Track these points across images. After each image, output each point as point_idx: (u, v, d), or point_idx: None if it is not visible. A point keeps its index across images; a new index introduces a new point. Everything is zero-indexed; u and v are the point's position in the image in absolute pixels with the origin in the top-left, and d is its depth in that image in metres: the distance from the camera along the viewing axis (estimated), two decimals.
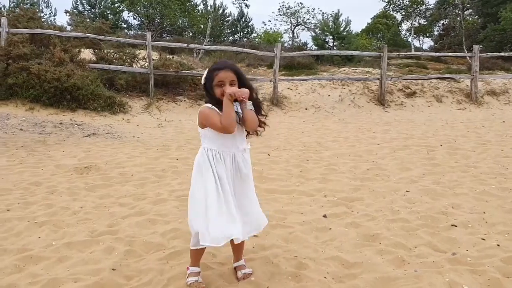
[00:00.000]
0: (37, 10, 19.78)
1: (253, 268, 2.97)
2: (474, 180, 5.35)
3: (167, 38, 29.70)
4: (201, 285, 2.74)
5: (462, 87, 15.96)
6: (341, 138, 8.82)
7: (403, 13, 34.84)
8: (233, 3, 26.55)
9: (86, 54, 13.34)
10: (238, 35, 42.01)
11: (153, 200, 4.60)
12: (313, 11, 44.72)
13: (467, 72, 17.36)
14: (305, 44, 37.40)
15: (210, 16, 25.11)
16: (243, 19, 42.04)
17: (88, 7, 37.17)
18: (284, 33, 39.72)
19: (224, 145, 2.69)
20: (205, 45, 20.56)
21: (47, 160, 6.37)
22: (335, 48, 31.02)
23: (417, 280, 2.82)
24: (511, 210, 4.26)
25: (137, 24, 34.55)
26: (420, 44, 40.76)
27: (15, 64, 10.57)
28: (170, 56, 14.78)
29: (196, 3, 29.62)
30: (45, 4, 37.15)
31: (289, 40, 39.98)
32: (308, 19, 38.20)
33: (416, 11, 33.95)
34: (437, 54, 20.20)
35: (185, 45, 15.28)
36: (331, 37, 33.15)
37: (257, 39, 38.73)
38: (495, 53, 17.70)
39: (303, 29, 40.29)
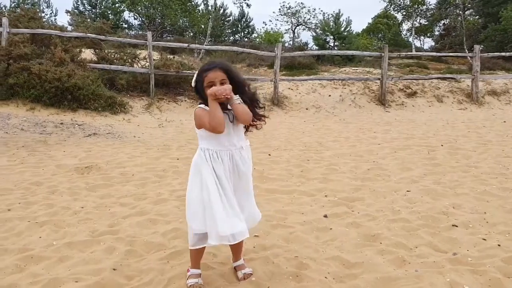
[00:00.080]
0: (38, 10, 19.79)
1: (253, 268, 2.97)
2: (475, 180, 5.35)
3: (168, 38, 29.70)
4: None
5: (463, 87, 15.95)
6: (342, 138, 8.82)
7: (404, 13, 34.83)
8: (234, 3, 26.60)
9: (87, 54, 13.35)
10: (239, 35, 41.98)
11: (154, 200, 4.60)
12: (313, 11, 44.68)
13: (468, 72, 17.35)
14: (306, 44, 37.40)
15: (210, 16, 25.12)
16: (244, 19, 42.02)
17: (89, 7, 37.17)
18: (285, 33, 39.75)
19: (221, 144, 2.67)
20: (206, 45, 20.58)
21: (48, 160, 6.38)
22: (335, 48, 31.00)
23: (418, 280, 2.82)
24: None
25: (137, 24, 34.57)
26: (421, 44, 40.72)
27: (16, 64, 10.58)
28: (171, 56, 14.78)
29: (196, 3, 29.61)
30: (46, 4, 37.16)
31: (290, 40, 40.00)
32: (309, 19, 38.22)
33: (417, 11, 33.93)
34: (438, 54, 20.18)
35: (186, 45, 15.28)
36: (331, 37, 33.12)
37: (257, 39, 38.73)
38: (496, 53, 17.68)
39: (303, 29, 40.27)
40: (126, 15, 35.23)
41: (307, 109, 13.61)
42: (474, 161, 6.44)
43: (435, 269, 2.98)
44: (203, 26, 27.51)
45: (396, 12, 35.91)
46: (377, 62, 19.08)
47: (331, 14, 35.60)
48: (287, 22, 39.33)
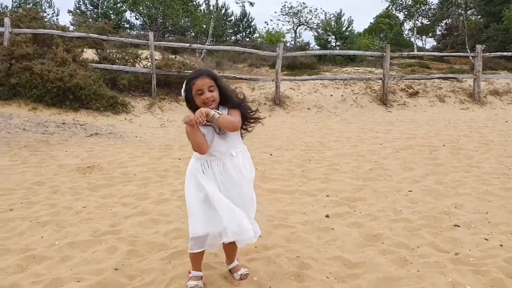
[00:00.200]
0: (39, 10, 19.81)
1: (255, 268, 2.97)
2: (477, 180, 5.34)
3: (170, 38, 29.73)
4: None
5: (465, 87, 15.93)
6: (343, 138, 8.81)
7: (406, 12, 34.81)
8: (237, 3, 26.58)
9: (89, 54, 13.38)
10: (241, 35, 42.02)
11: (155, 200, 4.61)
12: (315, 11, 44.85)
13: (470, 72, 17.33)
14: (308, 44, 37.42)
15: (212, 16, 25.14)
16: (246, 19, 42.06)
17: (91, 7, 37.25)
18: (287, 33, 39.80)
19: (211, 154, 2.66)
20: (207, 45, 20.59)
21: (50, 160, 6.38)
22: (337, 48, 31.01)
23: (419, 280, 2.82)
24: None
25: (139, 24, 34.63)
26: (422, 44, 40.73)
27: (18, 64, 10.61)
28: (173, 56, 14.80)
29: (198, 3, 29.64)
30: (47, 4, 37.26)
31: (292, 40, 40.03)
32: (311, 19, 38.27)
33: (418, 10, 33.91)
34: (440, 54, 20.16)
35: (187, 45, 15.29)
36: (333, 37, 33.15)
37: (259, 39, 38.76)
38: (498, 53, 17.67)
39: (305, 29, 40.29)
40: (128, 15, 35.30)
41: (308, 109, 13.61)
42: (476, 161, 6.43)
43: (437, 269, 2.97)
44: (204, 26, 27.53)
45: (398, 12, 35.89)
46: (379, 62, 19.08)
47: (333, 14, 35.64)
48: (288, 22, 39.40)
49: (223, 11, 38.19)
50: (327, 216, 4.11)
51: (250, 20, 42.25)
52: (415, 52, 25.37)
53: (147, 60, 13.47)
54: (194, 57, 19.85)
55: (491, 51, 20.94)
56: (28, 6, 29.54)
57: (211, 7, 29.82)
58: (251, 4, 26.01)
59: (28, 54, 11.02)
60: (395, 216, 4.09)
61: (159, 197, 4.70)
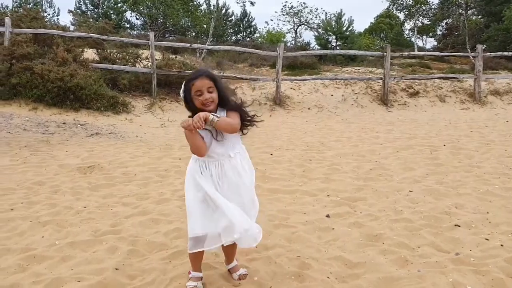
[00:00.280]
0: (40, 10, 19.82)
1: (256, 268, 2.97)
2: (478, 180, 5.34)
3: (170, 38, 29.75)
4: None
5: (465, 87, 15.92)
6: (344, 138, 8.81)
7: (406, 12, 34.80)
8: (237, 3, 26.55)
9: (89, 54, 13.38)
10: (241, 35, 42.01)
11: (156, 200, 4.61)
12: (316, 11, 44.85)
13: (471, 71, 17.32)
14: (308, 44, 37.40)
15: (213, 16, 25.12)
16: (246, 19, 42.06)
17: (91, 7, 37.26)
18: (287, 33, 39.80)
19: (209, 156, 2.65)
20: (208, 45, 20.58)
21: (51, 159, 6.39)
22: (338, 48, 31.01)
23: (420, 280, 2.82)
24: None
25: (140, 24, 34.64)
26: (423, 44, 40.71)
27: (19, 64, 10.61)
28: (173, 56, 14.80)
29: (199, 2, 29.64)
30: (48, 4, 37.28)
31: (292, 40, 40.03)
32: (311, 18, 38.26)
33: (419, 10, 33.90)
34: (440, 53, 20.15)
35: (188, 45, 15.30)
36: (334, 36, 33.15)
37: (260, 39, 38.77)
38: (498, 53, 17.67)
39: (306, 29, 40.27)
40: (129, 15, 35.31)
41: (309, 109, 13.60)
42: (477, 161, 6.42)
43: (437, 269, 2.97)
44: (205, 26, 27.53)
45: (398, 11, 35.88)
46: (379, 62, 19.08)
47: (333, 14, 35.63)
48: (289, 21, 39.40)
49: (223, 11, 38.20)
50: (327, 216, 4.11)
51: (250, 20, 42.26)
52: (416, 52, 25.36)
53: (147, 60, 13.47)
54: (194, 57, 19.85)
55: (491, 51, 20.94)
56: (28, 6, 29.55)
57: (212, 7, 29.83)
58: (252, 3, 25.99)
59: (29, 54, 11.02)
60: (396, 216, 4.09)
61: (159, 197, 4.70)
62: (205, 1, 31.41)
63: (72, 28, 20.50)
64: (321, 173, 5.78)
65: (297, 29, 40.01)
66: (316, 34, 35.81)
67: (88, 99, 10.68)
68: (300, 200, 4.63)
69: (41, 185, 5.07)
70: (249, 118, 2.77)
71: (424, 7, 33.90)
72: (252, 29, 42.56)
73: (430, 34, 38.51)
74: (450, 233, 3.64)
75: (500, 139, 8.40)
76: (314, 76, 16.12)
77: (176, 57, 15.05)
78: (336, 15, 34.55)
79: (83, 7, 37.00)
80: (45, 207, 4.30)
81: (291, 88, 14.89)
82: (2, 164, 6.00)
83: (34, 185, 5.05)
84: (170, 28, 30.76)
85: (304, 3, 45.92)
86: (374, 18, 41.53)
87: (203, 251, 2.74)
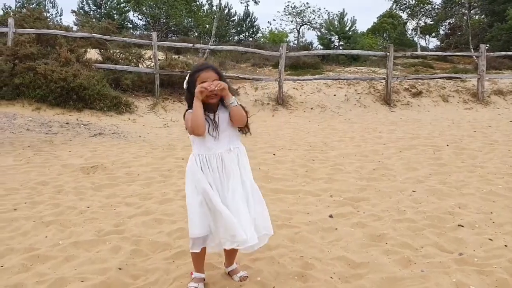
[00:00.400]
0: (43, 10, 19.85)
1: (259, 268, 2.97)
2: (481, 180, 5.33)
3: (173, 38, 29.78)
4: None
5: (468, 87, 15.88)
6: (347, 138, 8.80)
7: (409, 12, 34.75)
8: (241, 2, 26.54)
9: (92, 54, 13.40)
10: (244, 35, 42.01)
11: (159, 200, 4.61)
12: (318, 10, 44.65)
13: (474, 71, 17.27)
14: (311, 43, 37.39)
15: (215, 16, 25.15)
16: (249, 19, 42.05)
17: (94, 7, 37.32)
18: (290, 32, 39.76)
19: (209, 149, 2.63)
20: (210, 45, 20.60)
21: (54, 159, 6.40)
22: (340, 47, 30.97)
23: (423, 280, 2.81)
24: None
25: (142, 25, 34.67)
26: (426, 44, 40.70)
27: (22, 64, 10.63)
28: (176, 56, 14.82)
29: (201, 3, 29.67)
30: (51, 4, 37.36)
31: (295, 40, 40.00)
32: (314, 18, 38.24)
33: (422, 10, 33.84)
34: (444, 53, 20.10)
35: (190, 45, 15.31)
36: (336, 36, 33.09)
37: (262, 39, 38.74)
38: (502, 53, 17.58)
39: (308, 29, 40.33)
40: (131, 15, 35.36)
41: (312, 108, 13.59)
42: (480, 161, 6.41)
43: (441, 270, 2.97)
44: (207, 26, 27.56)
45: (401, 11, 35.83)
46: (382, 62, 19.05)
47: (336, 14, 35.59)
48: (292, 21, 39.40)
49: (226, 11, 38.20)
50: (330, 216, 4.11)
51: (253, 20, 42.25)
52: (419, 52, 25.34)
53: (150, 60, 13.47)
54: (197, 57, 19.88)
55: (495, 50, 20.88)
56: (31, 6, 29.62)
57: (214, 7, 29.84)
58: (256, 2, 25.95)
59: (32, 54, 11.04)
60: (399, 216, 4.08)
61: (162, 197, 4.70)
62: (207, 1, 31.42)
63: (75, 28, 20.59)
64: (324, 173, 5.78)
65: (299, 29, 40.03)
66: (319, 34, 35.77)
67: (91, 99, 10.69)
68: (303, 200, 4.63)
69: (44, 185, 5.08)
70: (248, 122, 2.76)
71: (427, 7, 33.85)
72: (254, 29, 42.56)
73: (433, 34, 38.48)
74: (453, 233, 3.63)
75: (503, 139, 8.38)
76: (316, 76, 16.10)
77: (178, 57, 15.07)
78: (339, 15, 34.52)
79: (86, 7, 37.07)
80: (49, 207, 4.31)
81: (294, 88, 14.88)
82: (5, 164, 6.02)
83: (38, 185, 5.07)
84: (172, 28, 30.81)
85: (307, 3, 45.96)
86: (377, 18, 41.51)
87: (205, 251, 2.75)
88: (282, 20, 48.20)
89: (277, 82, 13.75)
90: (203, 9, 30.17)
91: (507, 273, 2.91)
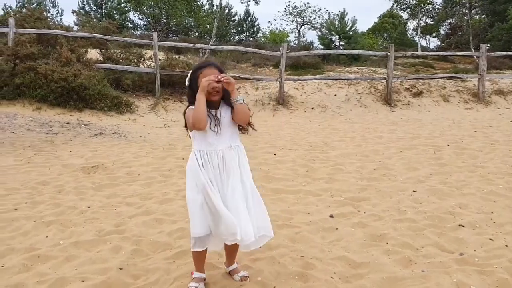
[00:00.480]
0: (43, 10, 19.86)
1: (259, 268, 2.97)
2: (482, 180, 5.32)
3: (173, 38, 29.78)
4: None
5: (469, 87, 15.86)
6: (347, 137, 8.80)
7: (410, 12, 34.73)
8: (242, 2, 26.54)
9: (93, 54, 13.40)
10: (244, 34, 42.03)
11: (159, 200, 4.61)
12: (319, 10, 44.63)
13: (475, 71, 17.26)
14: (311, 43, 37.41)
15: (216, 16, 25.14)
16: (249, 19, 42.07)
17: (95, 7, 37.34)
18: (290, 32, 39.75)
19: (210, 145, 2.63)
20: (211, 45, 20.59)
21: (54, 159, 6.40)
22: (341, 47, 30.96)
23: (424, 280, 2.81)
24: None
25: (143, 24, 34.68)
26: (426, 44, 40.65)
27: (23, 64, 10.64)
28: (176, 56, 14.81)
29: (202, 3, 29.66)
30: (51, 4, 37.38)
31: (295, 40, 40.00)
32: (314, 18, 38.24)
33: (422, 10, 33.83)
34: (444, 53, 20.08)
35: (191, 45, 15.30)
36: (337, 36, 33.09)
37: (263, 39, 38.73)
38: (503, 52, 17.57)
39: (309, 29, 40.34)
40: (132, 15, 35.36)
41: (312, 108, 13.59)
42: (481, 161, 6.40)
43: (441, 269, 2.96)
44: (208, 26, 27.55)
45: (402, 11, 35.82)
46: (382, 62, 19.03)
47: (337, 14, 35.59)
48: (292, 21, 39.40)
49: (226, 11, 38.21)
50: (331, 216, 4.11)
51: (253, 20, 42.27)
52: (419, 52, 25.32)
53: (151, 60, 13.48)
54: (197, 57, 19.87)
55: (495, 50, 20.85)
56: (32, 6, 29.64)
57: (215, 7, 29.84)
58: (257, 2, 25.92)
59: (33, 54, 11.05)
60: (400, 216, 4.08)
61: (163, 197, 4.71)
62: (208, 1, 31.40)
63: (75, 28, 20.59)
64: (325, 173, 5.78)
65: (300, 28, 40.03)
66: (319, 33, 35.77)
67: (92, 99, 10.70)
68: (303, 200, 4.63)
69: (45, 185, 5.08)
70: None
71: (427, 7, 33.84)
72: (255, 29, 42.59)
73: (434, 34, 38.44)
74: (454, 233, 3.63)
75: (504, 139, 8.38)
76: (317, 76, 16.10)
77: (179, 57, 15.06)
78: (339, 15, 34.51)
79: (87, 7, 37.09)
80: (49, 207, 4.31)
81: (294, 88, 14.87)
82: (6, 164, 6.02)
83: (38, 185, 5.07)
84: (173, 28, 30.81)
85: (307, 3, 45.97)
86: (377, 17, 41.49)
87: (206, 250, 2.74)
88: (283, 20, 48.31)
89: (278, 82, 13.75)
90: (204, 9, 30.15)
91: (507, 273, 2.90)
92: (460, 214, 4.11)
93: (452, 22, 34.32)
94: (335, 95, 14.70)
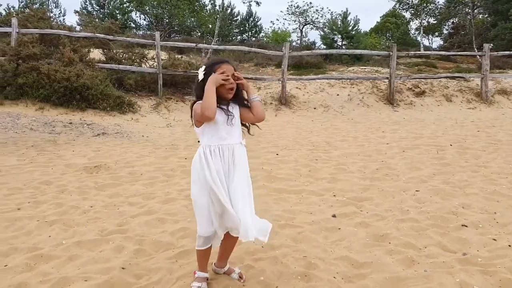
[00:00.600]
0: (46, 10, 19.90)
1: (262, 268, 2.97)
2: (485, 180, 5.31)
3: (176, 38, 29.79)
4: None
5: (472, 86, 15.83)
6: (350, 137, 8.79)
7: (412, 11, 34.68)
8: (243, 2, 26.51)
9: (96, 54, 13.42)
10: (246, 34, 42.02)
11: (162, 199, 4.62)
12: (321, 10, 44.52)
13: (477, 71, 17.22)
14: (314, 43, 37.38)
15: (218, 16, 25.15)
16: (252, 19, 42.07)
17: (97, 7, 37.37)
18: (293, 32, 39.74)
19: (222, 138, 2.62)
20: (213, 44, 20.60)
21: (57, 159, 6.41)
22: (343, 47, 30.94)
23: (427, 280, 2.81)
24: None
25: (146, 24, 34.73)
26: (429, 43, 40.57)
27: (25, 64, 10.66)
28: (179, 56, 14.82)
29: (204, 3, 29.69)
30: (54, 4, 37.43)
31: (298, 39, 39.96)
32: (317, 18, 38.18)
33: (425, 9, 33.77)
34: (447, 53, 20.02)
35: (193, 45, 15.31)
36: (339, 36, 33.07)
37: (265, 39, 38.75)
38: (506, 52, 17.52)
39: (311, 28, 40.22)
40: (134, 15, 35.41)
41: (315, 108, 13.58)
42: (484, 161, 6.39)
43: (444, 269, 2.96)
44: (210, 25, 27.57)
45: (404, 11, 35.77)
46: (385, 61, 19.00)
47: (339, 13, 35.57)
48: (295, 21, 39.34)
49: (229, 11, 38.22)
50: (334, 216, 4.10)
51: (256, 19, 42.26)
52: (422, 52, 25.24)
53: (153, 60, 13.49)
54: (200, 57, 19.88)
55: (498, 50, 20.81)
56: (34, 6, 29.70)
57: (217, 7, 29.85)
58: (258, 3, 25.92)
59: (35, 54, 11.07)
60: (402, 216, 4.08)
61: (165, 197, 4.71)
62: (210, 1, 31.43)
63: (78, 28, 20.62)
64: (327, 173, 5.77)
65: (302, 28, 39.98)
66: (322, 33, 35.75)
67: (95, 99, 10.71)
68: (306, 200, 4.62)
69: (48, 185, 5.09)
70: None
71: (430, 6, 33.77)
72: (257, 28, 42.57)
73: (436, 33, 38.36)
74: (457, 233, 3.62)
75: (507, 138, 8.35)
76: (319, 76, 16.07)
77: (181, 57, 15.07)
78: (342, 15, 34.48)
79: (89, 7, 37.13)
80: (52, 207, 4.32)
81: (297, 88, 14.86)
82: (9, 164, 6.04)
83: (41, 185, 5.08)
84: (175, 28, 30.83)
85: (310, 2, 45.85)
86: (380, 17, 41.46)
87: (211, 248, 2.76)
88: (285, 19, 48.30)
89: (280, 82, 13.74)
90: (206, 9, 30.20)
91: (511, 273, 2.90)
92: (463, 214, 4.10)
93: (455, 21, 34.26)
94: (338, 95, 14.69)
